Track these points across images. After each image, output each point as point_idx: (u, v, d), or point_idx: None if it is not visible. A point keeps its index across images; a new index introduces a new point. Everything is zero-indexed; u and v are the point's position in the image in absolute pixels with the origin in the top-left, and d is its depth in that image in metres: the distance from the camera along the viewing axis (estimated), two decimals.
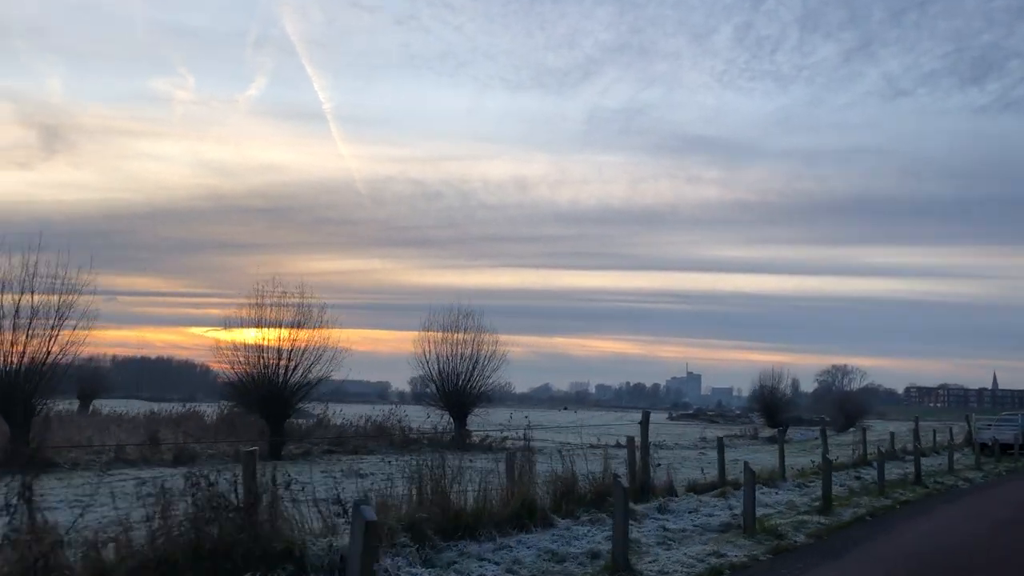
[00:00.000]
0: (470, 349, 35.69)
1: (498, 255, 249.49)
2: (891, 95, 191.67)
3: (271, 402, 27.39)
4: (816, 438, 56.79)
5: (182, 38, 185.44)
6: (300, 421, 32.95)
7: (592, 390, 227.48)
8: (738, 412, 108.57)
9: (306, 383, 28.27)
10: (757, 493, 14.35)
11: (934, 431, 35.21)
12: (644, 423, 16.79)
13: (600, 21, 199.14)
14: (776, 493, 16.26)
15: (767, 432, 53.47)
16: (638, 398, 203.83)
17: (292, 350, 27.77)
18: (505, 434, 36.91)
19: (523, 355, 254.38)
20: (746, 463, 12.80)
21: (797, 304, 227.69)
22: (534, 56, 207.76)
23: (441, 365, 35.84)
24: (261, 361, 27.60)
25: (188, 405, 44.38)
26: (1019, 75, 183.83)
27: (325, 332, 28.09)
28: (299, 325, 27.72)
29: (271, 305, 27.59)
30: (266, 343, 27.63)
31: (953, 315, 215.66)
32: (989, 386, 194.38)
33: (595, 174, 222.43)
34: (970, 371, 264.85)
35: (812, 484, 17.18)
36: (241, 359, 27.54)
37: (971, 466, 24.22)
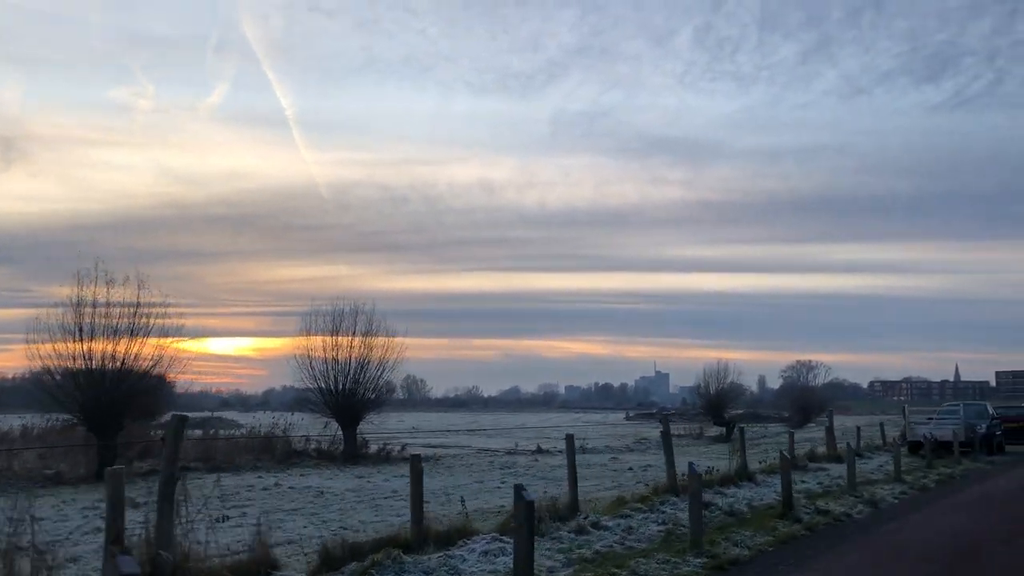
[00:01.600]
0: (358, 350, 31.03)
1: (466, 259, 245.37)
2: (850, 94, 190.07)
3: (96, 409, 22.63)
4: (762, 438, 53.78)
5: (141, 46, 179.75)
6: (157, 433, 28.21)
7: (562, 391, 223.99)
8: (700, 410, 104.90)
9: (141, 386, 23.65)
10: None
11: (882, 425, 31.29)
12: (569, 443, 13.04)
13: (563, 23, 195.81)
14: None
15: (714, 431, 50.18)
16: (606, 398, 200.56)
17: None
18: (406, 443, 32.90)
19: (493, 358, 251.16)
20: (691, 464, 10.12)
21: (763, 302, 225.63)
22: (498, 59, 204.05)
23: (324, 368, 30.98)
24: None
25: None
26: (973, 73, 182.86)
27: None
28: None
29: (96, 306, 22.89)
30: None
31: (915, 309, 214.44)
32: (951, 378, 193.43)
33: (561, 176, 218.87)
34: (933, 364, 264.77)
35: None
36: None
37: (890, 476, 17.89)
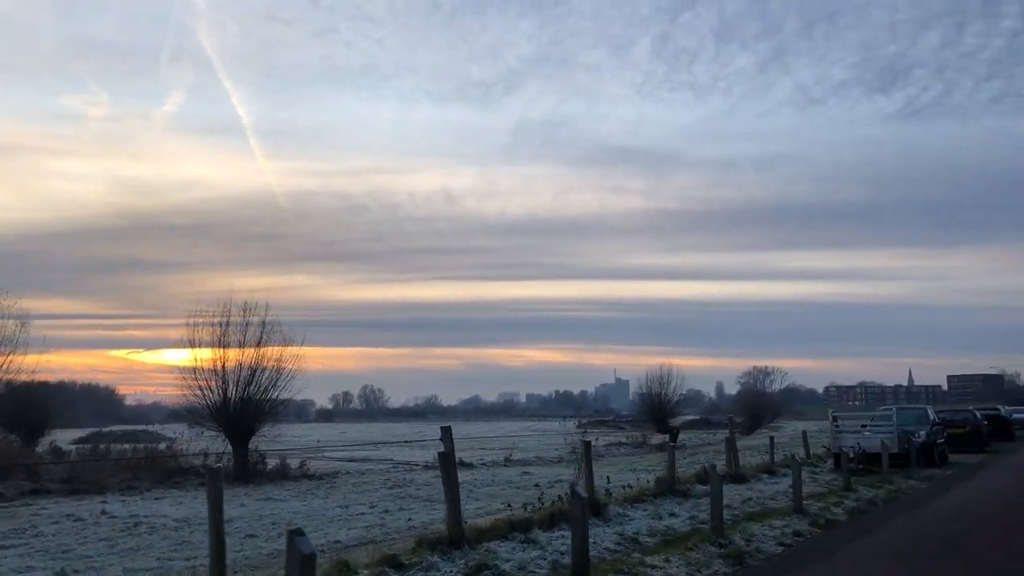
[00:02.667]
0: (249, 359, 26.64)
1: (428, 268, 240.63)
2: (804, 104, 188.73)
3: None
4: (708, 445, 50.18)
5: (93, 52, 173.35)
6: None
7: (523, 400, 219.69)
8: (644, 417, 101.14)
9: None
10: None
11: (805, 435, 27.16)
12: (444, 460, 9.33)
13: (522, 33, 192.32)
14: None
15: (658, 439, 46.97)
16: (566, 406, 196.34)
17: None
18: (307, 458, 28.90)
19: (455, 367, 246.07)
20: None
21: (722, 309, 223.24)
22: (458, 69, 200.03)
23: (211, 378, 26.57)
24: None
25: None
26: (923, 84, 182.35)
27: None
28: None
29: None
30: None
31: (870, 316, 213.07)
32: (905, 383, 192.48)
33: (522, 185, 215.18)
34: (887, 369, 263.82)
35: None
36: None
37: (786, 509, 12.53)
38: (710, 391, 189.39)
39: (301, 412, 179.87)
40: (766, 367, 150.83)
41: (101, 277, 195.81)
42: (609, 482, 15.17)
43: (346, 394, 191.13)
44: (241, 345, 26.31)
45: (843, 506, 13.26)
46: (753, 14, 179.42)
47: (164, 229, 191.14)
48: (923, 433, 22.85)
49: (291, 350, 26.65)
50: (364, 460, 34.31)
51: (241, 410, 25.56)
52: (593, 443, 44.29)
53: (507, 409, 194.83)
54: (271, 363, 26.46)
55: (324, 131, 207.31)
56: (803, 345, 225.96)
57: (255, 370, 26.38)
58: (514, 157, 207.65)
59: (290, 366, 26.66)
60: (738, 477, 17.07)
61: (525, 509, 11.82)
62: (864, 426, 23.91)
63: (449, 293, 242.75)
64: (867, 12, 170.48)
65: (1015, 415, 50.80)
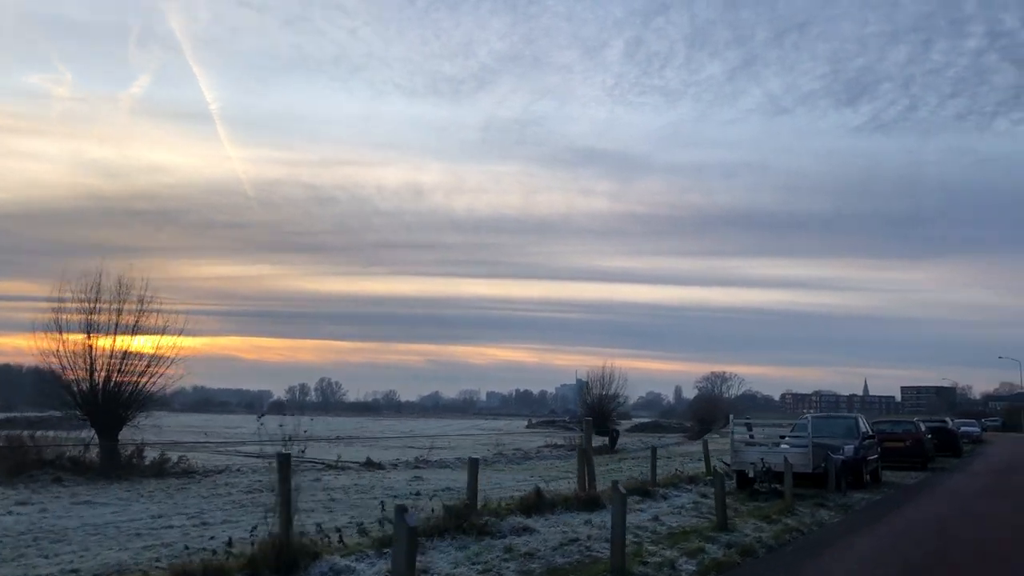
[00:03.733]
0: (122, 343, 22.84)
1: (394, 262, 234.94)
2: (773, 113, 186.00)
3: None
4: (647, 449, 46.31)
5: (59, 31, 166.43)
6: None
7: (483, 398, 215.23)
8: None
9: None
10: None
11: (705, 444, 22.94)
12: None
13: (495, 31, 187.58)
14: None
15: (597, 441, 42.96)
16: (524, 405, 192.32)
17: None
18: (184, 454, 24.58)
19: (417, 363, 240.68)
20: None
21: (685, 314, 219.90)
22: (429, 63, 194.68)
23: (75, 359, 22.52)
24: None
25: None
26: (890, 98, 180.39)
27: None
28: None
29: None
30: None
31: (829, 325, 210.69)
32: (860, 392, 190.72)
33: (491, 183, 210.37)
34: (844, 378, 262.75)
35: None
36: None
37: (598, 570, 7.88)
38: (670, 395, 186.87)
39: (254, 403, 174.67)
40: (724, 372, 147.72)
41: (60, 259, 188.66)
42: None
43: (303, 386, 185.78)
44: (114, 328, 22.65)
45: (699, 559, 8.81)
46: (725, 22, 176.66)
47: (127, 213, 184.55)
48: (850, 448, 18.64)
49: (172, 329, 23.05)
50: (258, 456, 30.44)
51: (109, 397, 22.04)
52: (530, 445, 40.29)
53: (466, 407, 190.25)
54: (147, 347, 22.95)
55: (293, 120, 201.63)
56: (762, 352, 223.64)
57: (125, 355, 22.68)
58: (484, 154, 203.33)
59: (170, 352, 23.07)
60: (590, 501, 12.62)
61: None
62: (783, 437, 19.72)
63: (414, 288, 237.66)
64: (837, 24, 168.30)
65: (963, 428, 47.16)
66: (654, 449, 17.75)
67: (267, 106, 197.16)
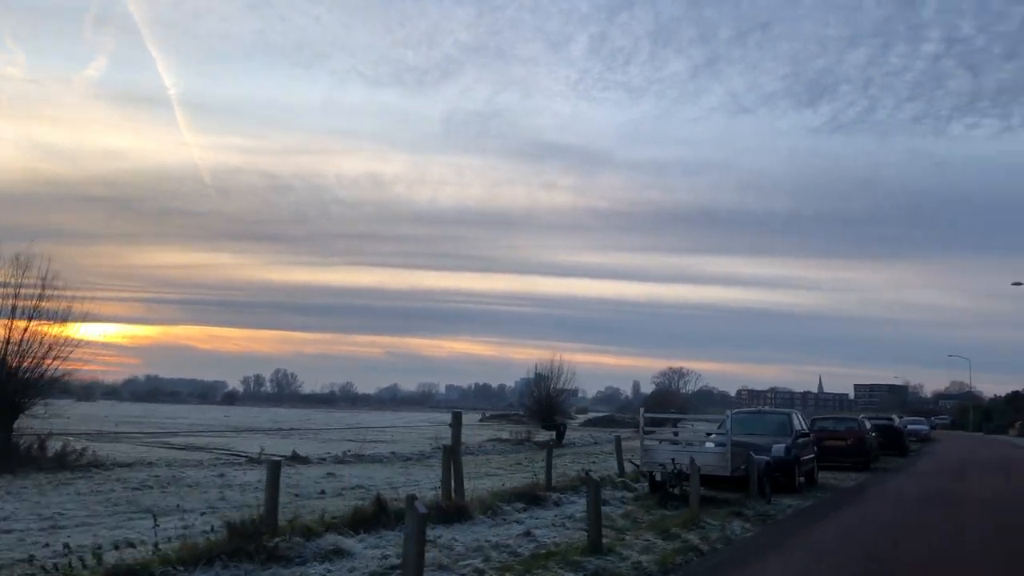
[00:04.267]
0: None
1: (354, 253, 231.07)
2: (735, 112, 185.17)
3: None
4: (594, 444, 44.11)
5: (11, 10, 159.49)
6: None
7: (442, 391, 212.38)
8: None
9: None
10: None
11: (618, 440, 20.66)
12: None
13: (459, 21, 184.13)
14: None
15: (543, 436, 41.39)
16: (483, 399, 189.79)
17: None
18: (90, 445, 21.86)
19: (376, 355, 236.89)
20: None
21: (644, 310, 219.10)
22: (393, 52, 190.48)
23: None
24: None
25: None
26: (849, 100, 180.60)
27: None
28: None
29: None
30: None
31: (786, 323, 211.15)
32: (815, 389, 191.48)
33: (453, 175, 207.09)
34: (799, 376, 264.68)
35: None
36: None
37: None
38: (628, 390, 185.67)
39: (207, 393, 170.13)
40: (681, 368, 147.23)
41: (8, 245, 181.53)
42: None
43: (257, 377, 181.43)
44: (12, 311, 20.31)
45: None
46: (689, 19, 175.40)
47: (82, 199, 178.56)
48: (780, 447, 16.45)
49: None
50: (201, 449, 28.53)
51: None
52: (475, 439, 38.48)
53: (424, 400, 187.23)
54: (47, 330, 20.51)
55: (253, 107, 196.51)
56: (720, 349, 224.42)
57: (22, 339, 20.22)
58: (446, 146, 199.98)
59: (75, 334, 20.85)
60: (454, 512, 10.17)
61: None
62: (709, 435, 17.48)
63: (374, 280, 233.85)
64: (799, 25, 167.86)
65: (911, 426, 45.69)
66: (549, 448, 15.14)
67: (227, 92, 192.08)
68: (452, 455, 11.06)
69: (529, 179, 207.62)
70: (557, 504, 12.53)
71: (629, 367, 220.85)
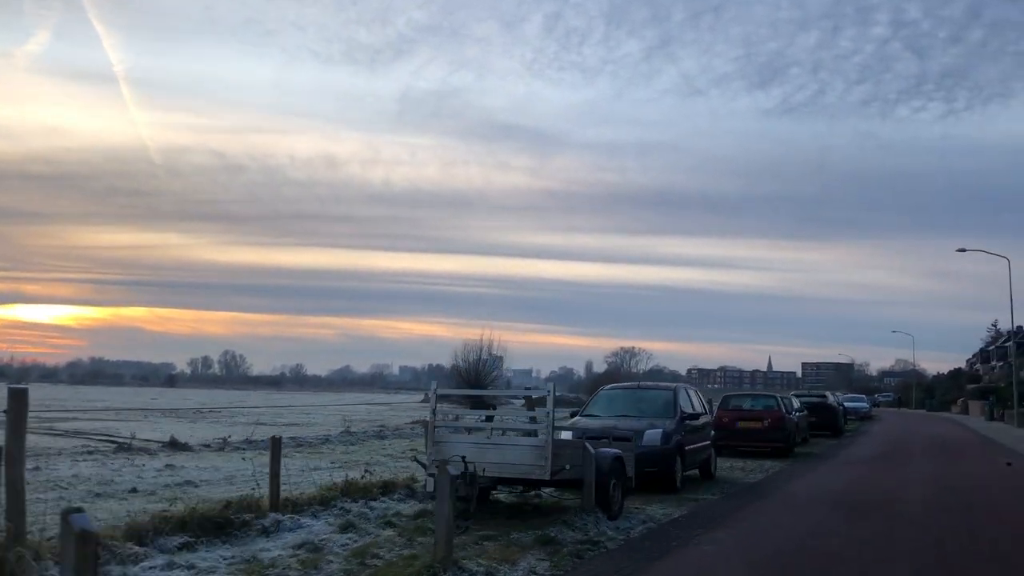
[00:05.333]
0: None
1: (306, 233, 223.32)
2: (687, 94, 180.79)
3: None
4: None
5: None
6: None
7: (396, 372, 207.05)
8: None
9: None
10: None
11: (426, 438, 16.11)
12: None
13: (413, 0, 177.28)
14: None
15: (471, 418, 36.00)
16: (437, 379, 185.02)
17: None
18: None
19: (329, 336, 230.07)
20: None
21: (597, 290, 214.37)
22: (345, 30, 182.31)
23: None
24: None
25: None
26: (799, 82, 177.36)
27: None
28: None
29: None
30: None
31: (736, 303, 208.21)
32: (764, 368, 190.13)
33: (407, 155, 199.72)
34: (749, 355, 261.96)
35: None
36: None
37: None
38: (579, 369, 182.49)
39: (150, 375, 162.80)
40: (633, 348, 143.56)
41: None
42: None
43: (205, 359, 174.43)
44: None
45: None
46: (642, 0, 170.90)
47: (23, 177, 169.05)
48: (655, 433, 11.93)
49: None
50: (83, 434, 24.26)
51: None
52: (396, 421, 33.55)
53: (376, 381, 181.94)
54: None
55: (202, 84, 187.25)
56: (671, 328, 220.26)
57: None
58: (400, 126, 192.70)
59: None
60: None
61: None
62: (574, 414, 12.93)
63: (327, 261, 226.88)
64: (751, 8, 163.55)
65: (849, 403, 41.94)
66: (274, 443, 10.05)
67: (175, 69, 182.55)
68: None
69: (484, 159, 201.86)
70: (268, 533, 7.79)
71: (583, 347, 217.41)
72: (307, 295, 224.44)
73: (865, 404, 46.75)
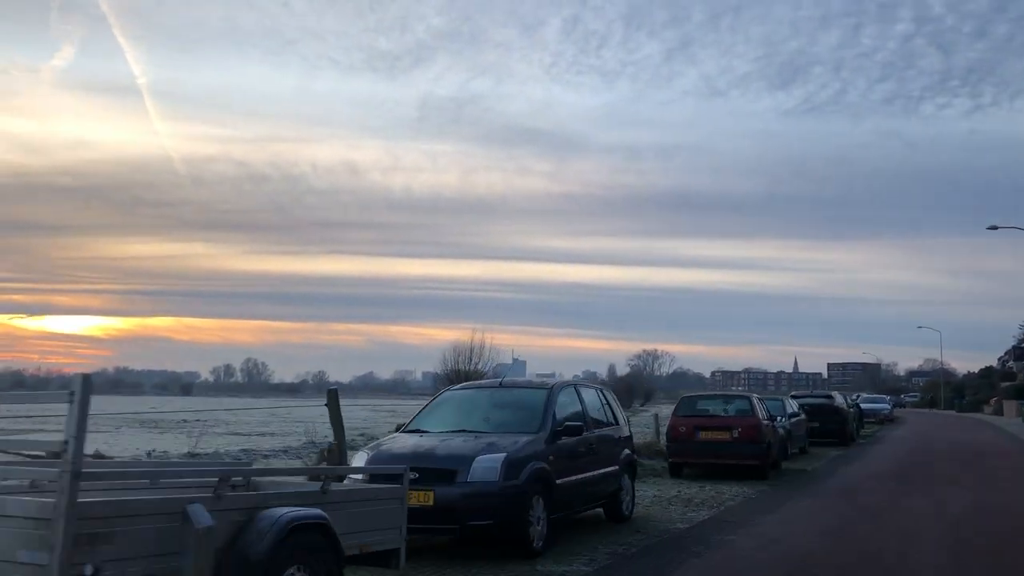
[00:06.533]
0: None
1: (329, 241, 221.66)
2: (708, 95, 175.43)
3: None
4: None
5: None
6: None
7: (419, 377, 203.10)
8: None
9: None
10: None
11: None
12: None
13: (431, 6, 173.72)
14: None
15: None
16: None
17: None
18: None
19: (353, 343, 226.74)
20: None
21: (619, 293, 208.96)
22: (365, 38, 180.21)
23: None
24: None
25: None
26: (821, 81, 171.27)
27: None
28: None
29: None
30: None
31: (760, 304, 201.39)
32: (790, 369, 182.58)
33: (428, 162, 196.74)
34: (775, 356, 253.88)
35: None
36: None
37: None
38: (601, 371, 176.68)
39: (170, 384, 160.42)
40: (655, 350, 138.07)
41: None
42: None
43: (228, 367, 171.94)
44: None
45: None
46: (661, 2, 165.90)
47: (50, 190, 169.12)
48: (493, 462, 7.03)
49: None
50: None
51: None
52: (381, 429, 30.32)
53: (397, 387, 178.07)
54: None
55: (224, 95, 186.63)
56: (696, 331, 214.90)
57: None
58: (420, 132, 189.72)
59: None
60: None
61: None
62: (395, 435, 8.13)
63: (351, 268, 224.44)
64: (771, 7, 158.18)
65: (867, 404, 36.34)
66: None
67: (197, 81, 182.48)
68: None
69: (504, 164, 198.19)
70: None
71: (606, 350, 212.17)
72: (332, 302, 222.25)
73: (886, 405, 40.79)
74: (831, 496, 11.91)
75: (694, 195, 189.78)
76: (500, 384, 8.95)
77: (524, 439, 7.60)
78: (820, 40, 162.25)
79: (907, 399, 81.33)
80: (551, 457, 7.74)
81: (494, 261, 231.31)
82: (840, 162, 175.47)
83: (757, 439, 13.95)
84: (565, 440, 8.09)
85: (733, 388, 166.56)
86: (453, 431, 7.95)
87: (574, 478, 8.14)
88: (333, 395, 8.71)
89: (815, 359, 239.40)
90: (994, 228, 31.90)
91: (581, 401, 8.98)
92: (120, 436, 28.24)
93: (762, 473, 14.00)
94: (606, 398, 9.94)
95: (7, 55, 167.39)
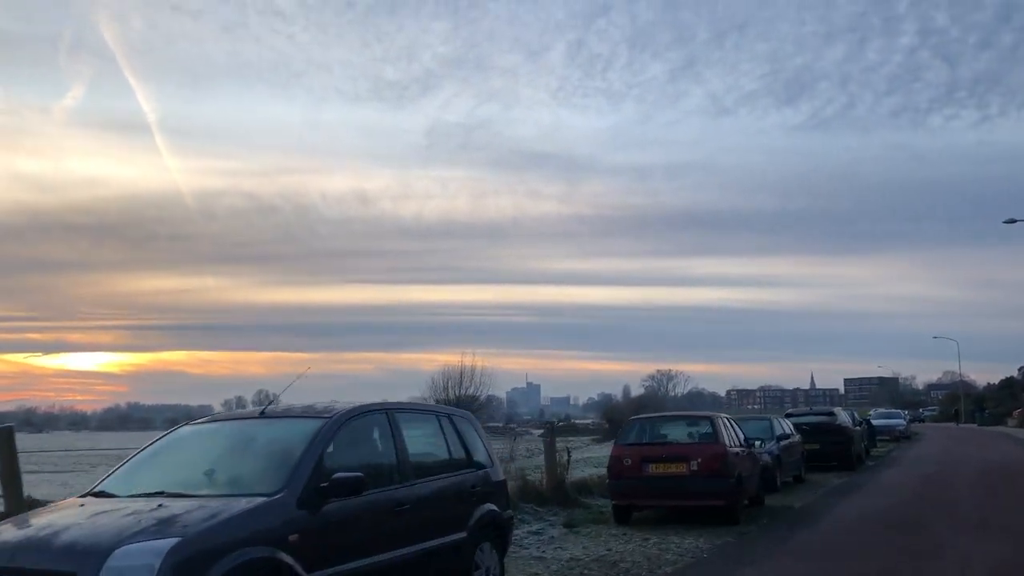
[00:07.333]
0: None
1: (341, 270, 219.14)
2: (715, 113, 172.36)
3: None
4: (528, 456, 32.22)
5: None
6: None
7: (433, 404, 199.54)
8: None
9: None
10: None
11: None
12: None
13: (437, 34, 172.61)
14: None
15: None
16: (474, 409, 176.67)
17: None
18: None
19: (368, 372, 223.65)
20: None
21: (633, 314, 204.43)
22: (372, 68, 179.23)
23: None
24: None
25: None
26: (828, 96, 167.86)
27: None
28: None
29: None
30: None
31: (774, 321, 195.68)
32: (806, 386, 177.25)
33: (438, 188, 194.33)
34: (790, 373, 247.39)
35: None
36: None
37: None
38: (616, 392, 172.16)
39: (178, 418, 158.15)
40: (669, 370, 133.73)
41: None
42: None
43: (239, 399, 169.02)
44: None
45: None
46: (665, 23, 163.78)
47: (64, 228, 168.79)
48: (151, 561, 3.83)
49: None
50: None
51: None
52: None
53: None
54: None
55: (233, 129, 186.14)
56: (710, 350, 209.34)
57: None
58: (429, 160, 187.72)
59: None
60: None
61: None
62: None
63: (364, 296, 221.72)
64: (775, 24, 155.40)
65: (878, 421, 32.60)
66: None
67: (206, 115, 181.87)
68: None
69: (514, 188, 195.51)
70: None
71: (621, 372, 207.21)
72: (345, 331, 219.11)
73: (900, 421, 36.69)
74: (811, 558, 8.44)
75: (704, 213, 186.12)
76: (261, 414, 5.70)
77: (240, 506, 4.36)
78: (825, 55, 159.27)
79: (926, 413, 76.74)
80: (299, 535, 4.49)
81: (507, 285, 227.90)
82: (849, 176, 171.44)
83: (722, 472, 10.55)
84: (338, 503, 4.83)
85: (749, 407, 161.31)
86: (148, 494, 4.73)
87: (356, 565, 4.87)
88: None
89: (832, 375, 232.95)
90: (1012, 221, 28.44)
91: (394, 436, 5.72)
92: (88, 475, 25.84)
93: (732, 516, 10.60)
94: (457, 429, 6.68)
95: (19, 96, 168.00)
